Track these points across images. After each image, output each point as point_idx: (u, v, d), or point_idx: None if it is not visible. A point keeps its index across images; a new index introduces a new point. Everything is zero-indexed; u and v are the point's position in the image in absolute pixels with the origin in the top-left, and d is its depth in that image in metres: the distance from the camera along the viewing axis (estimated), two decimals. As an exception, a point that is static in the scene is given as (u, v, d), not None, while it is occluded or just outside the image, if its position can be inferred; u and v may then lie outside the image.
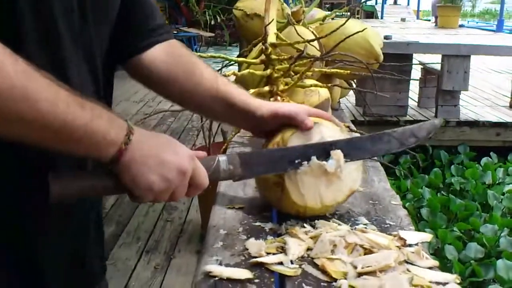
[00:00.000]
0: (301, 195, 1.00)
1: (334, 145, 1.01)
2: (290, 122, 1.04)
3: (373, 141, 1.05)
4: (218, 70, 1.88)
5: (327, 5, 16.67)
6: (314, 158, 0.99)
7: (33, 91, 0.69)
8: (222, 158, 0.94)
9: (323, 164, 0.99)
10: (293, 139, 1.02)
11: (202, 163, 0.89)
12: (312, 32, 1.86)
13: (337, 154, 1.00)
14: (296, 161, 0.99)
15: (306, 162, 0.99)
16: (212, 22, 12.33)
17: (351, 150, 1.02)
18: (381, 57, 1.86)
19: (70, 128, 0.73)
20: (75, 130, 0.73)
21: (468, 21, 18.57)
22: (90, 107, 0.76)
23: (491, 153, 5.03)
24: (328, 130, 1.04)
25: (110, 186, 0.83)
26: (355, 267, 0.82)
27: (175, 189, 0.84)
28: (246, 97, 1.08)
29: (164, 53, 1.05)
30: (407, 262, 0.86)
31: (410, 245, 0.91)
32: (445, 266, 3.08)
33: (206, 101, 1.07)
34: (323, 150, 1.00)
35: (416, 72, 6.04)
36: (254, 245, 0.90)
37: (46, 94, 0.70)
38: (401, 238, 0.92)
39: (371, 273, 0.81)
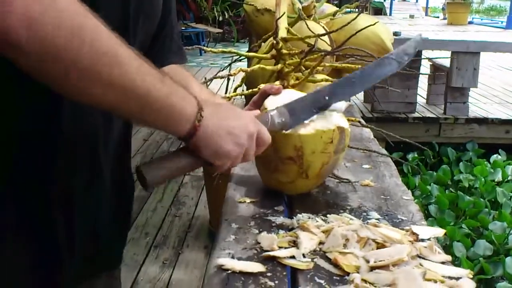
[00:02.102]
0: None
1: (353, 77, 1.13)
2: (264, 97, 1.13)
3: (379, 65, 1.15)
4: (228, 65, 1.88)
5: (336, 0, 16.62)
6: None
7: (124, 59, 0.74)
8: (273, 112, 1.02)
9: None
10: (269, 100, 1.10)
11: (260, 121, 0.97)
12: (323, 27, 1.86)
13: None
14: (327, 98, 1.07)
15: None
16: (220, 18, 12.32)
17: (365, 77, 1.13)
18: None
19: (153, 98, 0.78)
20: (156, 101, 0.79)
21: (472, 18, 18.46)
22: (169, 83, 0.81)
23: (500, 150, 5.00)
24: (293, 92, 1.16)
25: (192, 162, 0.90)
26: (368, 261, 0.82)
27: (246, 151, 0.91)
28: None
29: (167, 69, 1.12)
30: (419, 257, 0.86)
31: (422, 240, 0.91)
32: (453, 263, 3.07)
33: None
34: (346, 83, 1.13)
35: (425, 70, 6.01)
36: (266, 239, 0.90)
37: (134, 63, 0.76)
38: (413, 233, 0.92)
39: (384, 267, 0.80)
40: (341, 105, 1.10)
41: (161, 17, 1.08)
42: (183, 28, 10.81)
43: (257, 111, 1.01)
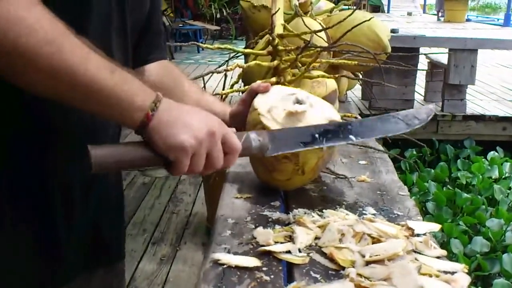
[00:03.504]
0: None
1: (350, 124, 1.06)
2: (252, 96, 1.11)
3: (383, 121, 1.10)
4: (225, 62, 1.88)
5: (333, -2, 16.59)
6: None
7: (65, 48, 0.75)
8: (251, 134, 0.97)
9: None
10: (258, 99, 1.09)
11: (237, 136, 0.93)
12: (320, 24, 1.86)
13: None
14: (319, 138, 1.02)
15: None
16: (218, 16, 12.31)
17: (364, 129, 1.07)
18: (389, 48, 1.85)
19: (98, 87, 0.78)
20: (101, 90, 0.78)
21: (468, 16, 18.47)
22: (120, 73, 0.80)
23: (498, 148, 5.01)
24: (282, 88, 1.15)
25: (147, 156, 0.84)
26: (363, 256, 0.82)
27: (210, 152, 0.85)
28: (226, 107, 1.18)
29: (159, 66, 1.17)
30: (415, 252, 0.86)
31: (418, 235, 0.91)
32: (450, 260, 3.07)
33: None
34: (340, 128, 1.05)
35: (422, 67, 6.01)
36: (262, 234, 0.90)
37: (79, 52, 0.76)
38: (409, 228, 0.92)
39: (379, 261, 0.81)
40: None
41: (148, 12, 1.11)
42: (180, 25, 10.80)
43: (233, 129, 0.94)
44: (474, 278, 3.00)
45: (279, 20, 1.52)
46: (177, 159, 0.83)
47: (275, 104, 1.07)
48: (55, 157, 0.91)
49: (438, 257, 0.85)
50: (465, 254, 3.15)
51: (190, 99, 1.14)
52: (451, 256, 3.10)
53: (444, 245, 3.24)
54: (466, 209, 3.79)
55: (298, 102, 1.08)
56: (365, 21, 1.45)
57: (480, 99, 5.92)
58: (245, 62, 1.96)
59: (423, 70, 5.47)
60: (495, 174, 4.48)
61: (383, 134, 1.10)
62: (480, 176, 4.35)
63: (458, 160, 4.75)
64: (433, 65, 5.61)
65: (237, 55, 1.81)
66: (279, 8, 1.44)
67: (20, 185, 0.89)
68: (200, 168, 0.85)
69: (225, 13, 12.32)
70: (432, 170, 4.53)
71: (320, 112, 1.08)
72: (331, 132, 1.04)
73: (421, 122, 1.13)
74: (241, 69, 1.51)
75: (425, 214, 3.80)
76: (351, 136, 1.05)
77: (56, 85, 0.77)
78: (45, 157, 0.90)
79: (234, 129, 0.94)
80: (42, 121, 0.88)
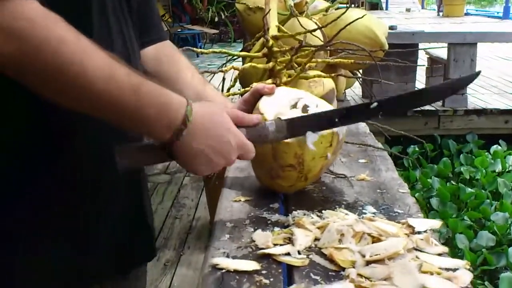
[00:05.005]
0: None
1: (377, 102, 1.01)
2: (256, 96, 1.09)
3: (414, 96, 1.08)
4: (222, 65, 1.87)
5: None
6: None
7: (90, 68, 0.75)
8: (270, 125, 0.98)
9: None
10: (263, 102, 1.06)
11: (251, 131, 0.94)
12: (315, 23, 1.85)
13: None
14: (336, 120, 1.01)
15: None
16: (216, 19, 12.31)
17: (392, 105, 1.03)
18: (386, 46, 1.84)
19: (121, 108, 0.78)
20: (124, 110, 0.79)
21: (467, 9, 18.44)
22: (144, 90, 0.80)
23: (500, 141, 4.99)
24: (290, 90, 1.14)
25: (166, 159, 0.90)
26: (363, 256, 0.81)
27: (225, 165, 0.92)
28: (227, 102, 1.16)
29: (156, 52, 1.10)
30: (416, 249, 0.85)
31: (419, 232, 0.90)
32: (456, 255, 3.06)
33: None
34: (364, 109, 1.03)
35: (422, 62, 6.00)
36: (261, 237, 0.89)
37: (102, 72, 0.76)
38: (409, 226, 0.91)
39: (380, 261, 0.80)
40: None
41: None
42: (179, 30, 10.81)
43: (253, 117, 0.97)
44: (481, 272, 2.99)
45: (273, 21, 1.52)
46: (195, 174, 0.92)
47: (281, 110, 1.05)
48: (81, 159, 0.91)
49: (439, 254, 0.84)
50: (471, 249, 3.13)
51: (191, 91, 1.12)
52: (457, 252, 3.09)
53: (449, 240, 3.23)
54: (470, 204, 3.78)
55: (305, 107, 1.07)
56: (358, 18, 1.44)
57: (482, 93, 5.90)
58: (243, 63, 1.95)
59: (421, 66, 5.44)
60: (499, 167, 4.47)
61: (414, 107, 1.10)
62: (484, 170, 4.33)
63: (461, 155, 4.74)
64: (433, 61, 5.60)
65: (234, 58, 1.80)
66: (270, 10, 1.43)
67: (54, 188, 0.88)
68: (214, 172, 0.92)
69: (223, 16, 12.32)
70: (435, 166, 4.52)
71: None
72: (348, 114, 1.02)
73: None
74: (237, 72, 1.50)
75: (429, 210, 3.78)
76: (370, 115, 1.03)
77: (80, 104, 0.78)
78: (69, 160, 0.89)
79: (254, 116, 0.97)
80: (67, 123, 0.88)
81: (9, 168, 0.85)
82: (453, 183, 4.20)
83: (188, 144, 0.85)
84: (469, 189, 3.93)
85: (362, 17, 1.48)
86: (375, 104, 1.01)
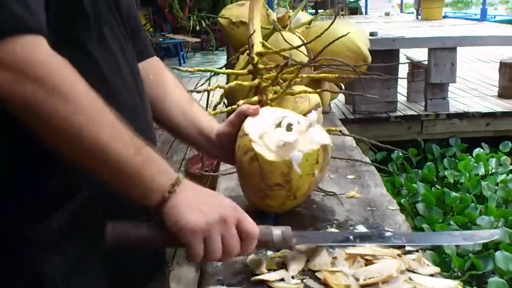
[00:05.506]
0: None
1: (395, 235, 0.96)
2: (241, 118, 1.09)
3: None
4: (207, 80, 1.87)
5: (311, 3, 16.67)
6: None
7: (96, 122, 0.75)
8: (276, 231, 0.90)
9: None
10: (248, 123, 1.07)
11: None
12: (299, 37, 1.86)
13: None
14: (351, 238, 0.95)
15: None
16: (198, 28, 12.30)
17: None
18: (369, 59, 1.86)
19: (122, 167, 0.78)
20: (126, 169, 0.78)
21: (445, 12, 18.65)
22: (144, 152, 0.80)
23: (483, 144, 5.04)
24: (274, 109, 1.14)
25: (159, 237, 0.83)
26: (357, 279, 0.82)
27: (223, 238, 0.82)
28: (213, 123, 1.14)
29: (143, 70, 1.06)
30: (408, 270, 0.85)
31: (410, 252, 0.91)
32: (443, 261, 3.08)
33: (178, 124, 1.12)
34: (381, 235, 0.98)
35: (403, 66, 6.05)
36: (255, 262, 0.89)
37: (108, 128, 0.76)
38: (400, 246, 0.92)
39: (374, 284, 0.80)
40: (313, 115, 1.07)
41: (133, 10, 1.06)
42: (160, 40, 10.76)
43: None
44: (469, 277, 3.01)
45: (257, 38, 1.52)
46: (188, 242, 0.80)
47: (266, 130, 1.05)
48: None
49: (431, 275, 0.85)
50: (458, 254, 3.15)
51: (178, 111, 1.11)
52: (444, 257, 3.11)
53: (436, 246, 3.25)
54: (455, 208, 3.81)
55: (289, 125, 1.07)
56: (342, 36, 1.45)
57: (463, 96, 5.96)
58: (227, 79, 1.95)
59: (403, 78, 5.49)
60: (482, 170, 4.51)
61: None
62: (467, 174, 4.37)
63: (445, 159, 4.77)
64: (414, 65, 5.65)
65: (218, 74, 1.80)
66: (255, 29, 1.43)
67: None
68: (216, 254, 0.81)
69: (204, 25, 12.31)
70: (420, 171, 4.55)
71: (311, 137, 1.05)
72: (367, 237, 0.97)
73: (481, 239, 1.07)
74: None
75: (415, 215, 3.80)
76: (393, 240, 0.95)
77: (82, 157, 0.77)
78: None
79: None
80: None
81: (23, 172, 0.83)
82: (438, 187, 4.23)
83: (179, 200, 0.81)
84: (454, 193, 3.96)
85: (346, 34, 1.49)
86: None
